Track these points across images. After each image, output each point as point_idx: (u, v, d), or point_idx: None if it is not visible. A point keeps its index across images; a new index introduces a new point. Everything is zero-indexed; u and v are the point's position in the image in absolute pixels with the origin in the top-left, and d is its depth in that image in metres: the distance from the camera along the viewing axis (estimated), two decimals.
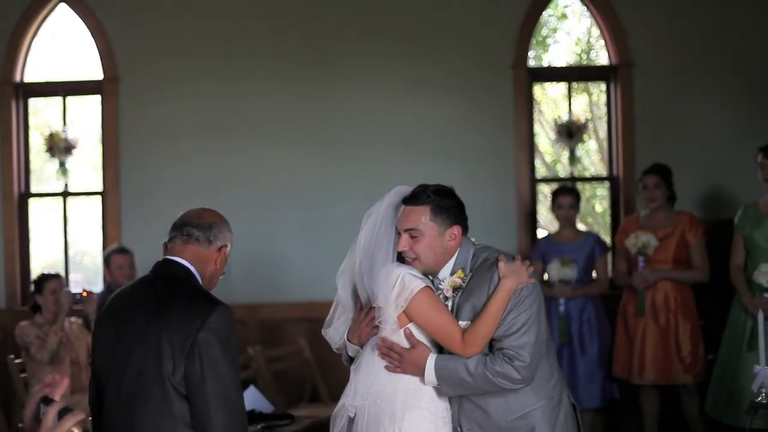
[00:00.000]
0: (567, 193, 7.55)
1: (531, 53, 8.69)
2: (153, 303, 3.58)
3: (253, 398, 6.63)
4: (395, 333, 3.85)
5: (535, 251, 7.55)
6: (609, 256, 7.73)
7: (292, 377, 7.83)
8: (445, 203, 3.94)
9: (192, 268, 3.73)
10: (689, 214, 7.23)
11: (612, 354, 7.27)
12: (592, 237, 7.57)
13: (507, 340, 3.81)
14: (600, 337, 7.32)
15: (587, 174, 11.34)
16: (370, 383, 3.87)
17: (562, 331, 7.20)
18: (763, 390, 5.30)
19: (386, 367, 3.86)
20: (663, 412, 7.33)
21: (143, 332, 3.50)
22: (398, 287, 3.79)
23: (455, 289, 3.90)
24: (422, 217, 3.88)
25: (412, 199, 3.92)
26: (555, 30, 10.86)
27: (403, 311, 3.81)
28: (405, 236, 3.88)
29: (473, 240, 4.06)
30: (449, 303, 3.91)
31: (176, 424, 3.43)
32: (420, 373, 3.84)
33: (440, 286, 3.93)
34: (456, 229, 3.93)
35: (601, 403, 7.33)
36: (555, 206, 7.56)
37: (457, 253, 3.95)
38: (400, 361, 3.84)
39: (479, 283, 3.87)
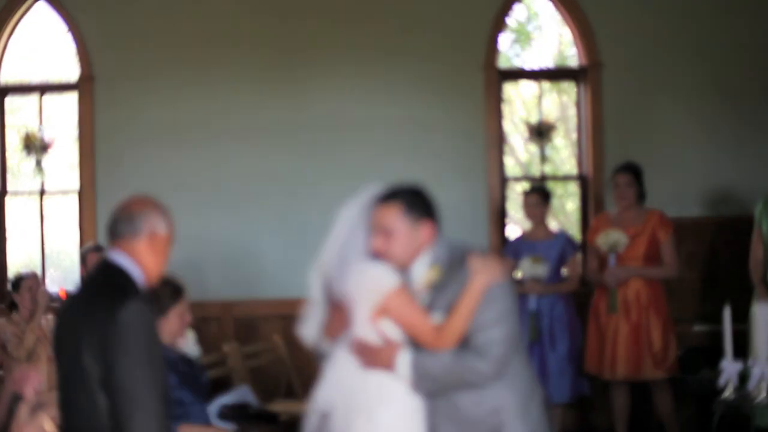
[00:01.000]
0: (533, 192, 7.60)
1: (505, 52, 8.78)
2: (81, 300, 3.62)
3: (243, 395, 6.62)
4: (368, 329, 3.87)
5: (508, 249, 7.60)
6: (579, 255, 7.81)
7: (267, 374, 7.85)
8: (416, 200, 3.98)
9: (127, 262, 3.64)
10: (659, 212, 7.26)
11: (583, 350, 7.31)
12: (563, 236, 7.61)
13: (478, 334, 3.82)
14: (570, 333, 7.35)
15: (560, 173, 11.43)
16: (343, 379, 3.89)
17: (533, 327, 7.24)
18: (730, 385, 5.41)
19: (360, 365, 3.88)
20: (633, 408, 7.39)
21: (71, 327, 3.53)
22: (372, 284, 3.83)
23: (431, 284, 3.92)
24: (394, 215, 3.91)
25: (384, 198, 3.96)
26: (522, 31, 10.95)
27: (377, 308, 3.84)
28: (378, 234, 3.91)
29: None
30: (423, 298, 3.92)
31: (101, 415, 3.44)
32: (392, 369, 3.84)
33: (413, 281, 3.94)
34: (427, 225, 3.95)
35: (571, 398, 7.39)
36: (524, 205, 7.61)
37: (431, 250, 3.96)
38: (372, 358, 3.85)
39: (454, 278, 3.88)
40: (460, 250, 3.96)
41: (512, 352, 3.88)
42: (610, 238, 7.09)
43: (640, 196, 7.29)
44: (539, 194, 7.59)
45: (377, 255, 3.92)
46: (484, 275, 3.82)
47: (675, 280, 7.25)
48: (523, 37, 11.19)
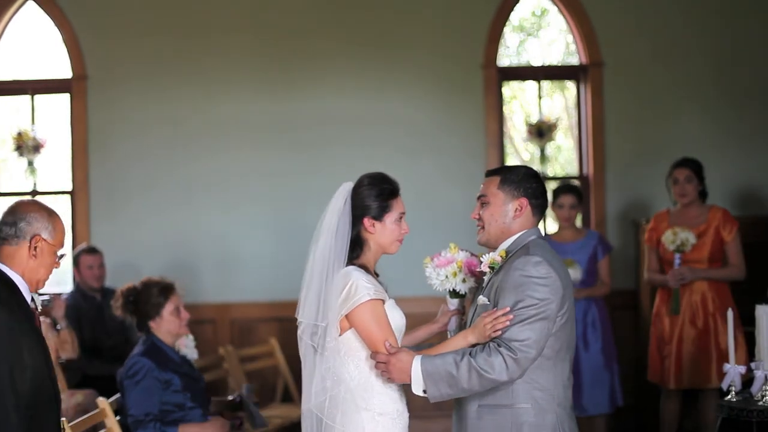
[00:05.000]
0: (569, 192, 7.20)
1: (505, 51, 8.71)
2: None
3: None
4: (334, 333, 3.80)
5: None
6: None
7: (263, 377, 7.81)
8: (516, 177, 3.93)
9: (5, 269, 3.65)
10: (723, 209, 6.85)
11: (643, 358, 7.04)
12: (595, 236, 7.25)
13: (506, 330, 3.70)
14: (604, 339, 7.06)
15: (562, 173, 11.35)
16: (317, 384, 3.84)
17: None
18: (733, 388, 5.34)
19: (380, 372, 3.77)
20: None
21: None
22: (346, 293, 3.76)
23: (491, 267, 3.89)
24: (492, 185, 3.93)
25: (491, 171, 4.02)
26: (524, 29, 10.87)
27: (346, 317, 3.77)
28: (478, 203, 3.95)
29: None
30: (484, 278, 3.93)
31: None
32: (407, 378, 3.71)
33: (482, 259, 3.94)
34: (522, 202, 3.90)
35: (610, 408, 7.05)
36: (555, 206, 7.18)
37: (520, 234, 3.92)
38: (386, 367, 3.73)
39: (503, 270, 3.83)
40: (533, 249, 3.84)
41: (536, 355, 3.71)
42: (679, 237, 6.65)
43: (702, 192, 6.87)
44: (575, 194, 7.20)
45: (477, 221, 3.96)
46: (474, 335, 3.75)
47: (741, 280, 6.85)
48: (523, 35, 11.12)
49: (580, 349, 6.98)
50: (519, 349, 3.65)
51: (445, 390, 3.69)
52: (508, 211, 3.90)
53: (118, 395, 5.43)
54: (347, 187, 3.99)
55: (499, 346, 3.66)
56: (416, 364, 3.70)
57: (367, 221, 3.89)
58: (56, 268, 3.81)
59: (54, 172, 8.68)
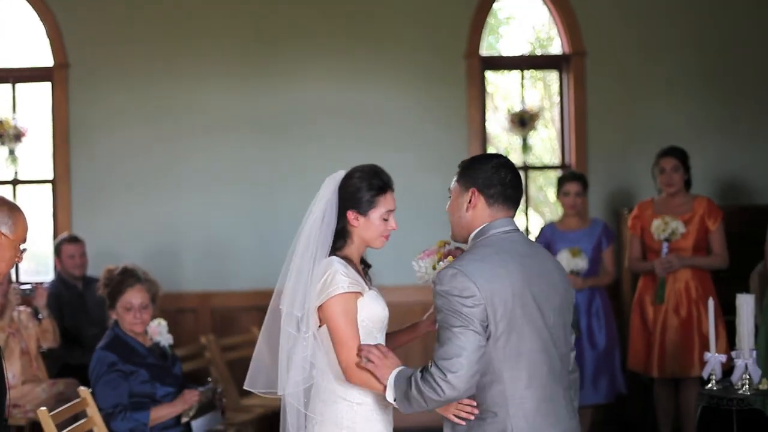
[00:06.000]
0: (575, 179, 7.20)
1: (486, 41, 8.70)
2: None
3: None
4: (313, 327, 3.76)
5: (540, 239, 7.16)
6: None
7: (244, 366, 7.75)
8: (472, 167, 3.68)
9: None
10: (707, 198, 6.92)
11: (624, 346, 7.04)
12: (600, 224, 7.24)
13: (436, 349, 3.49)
14: (607, 329, 7.04)
15: (542, 163, 11.37)
16: (296, 373, 3.79)
17: (573, 324, 6.93)
18: (713, 377, 5.37)
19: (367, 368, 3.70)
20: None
21: None
22: (322, 283, 3.72)
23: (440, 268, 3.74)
24: (455, 178, 3.71)
25: (461, 162, 3.79)
26: (508, 19, 10.87)
27: (319, 308, 3.73)
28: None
29: (506, 229, 3.63)
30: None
31: None
32: (385, 383, 3.63)
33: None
34: (471, 193, 3.62)
35: (607, 398, 7.05)
36: (561, 193, 7.20)
37: (480, 227, 3.61)
38: (373, 367, 3.64)
39: None
40: (478, 246, 3.59)
41: (474, 366, 3.43)
42: (669, 226, 6.66)
43: (687, 181, 6.90)
44: (581, 182, 7.19)
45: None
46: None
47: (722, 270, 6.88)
48: (504, 25, 11.12)
49: (584, 339, 6.95)
50: (447, 369, 3.40)
51: (408, 406, 3.55)
52: (462, 203, 3.64)
53: None
54: (338, 176, 3.89)
55: (431, 366, 3.46)
56: (393, 373, 3.60)
57: (351, 214, 3.82)
58: (18, 261, 3.81)
59: (35, 160, 8.65)
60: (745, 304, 5.33)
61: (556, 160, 8.75)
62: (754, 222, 7.46)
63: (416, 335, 4.19)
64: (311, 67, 8.21)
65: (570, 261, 6.84)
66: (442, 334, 3.47)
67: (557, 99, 8.67)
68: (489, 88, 8.86)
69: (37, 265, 9.44)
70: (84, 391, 5.18)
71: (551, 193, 13.02)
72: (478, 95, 8.27)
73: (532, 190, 10.69)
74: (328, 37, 8.22)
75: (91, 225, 8.09)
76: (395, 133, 8.16)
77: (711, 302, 5.50)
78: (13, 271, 7.21)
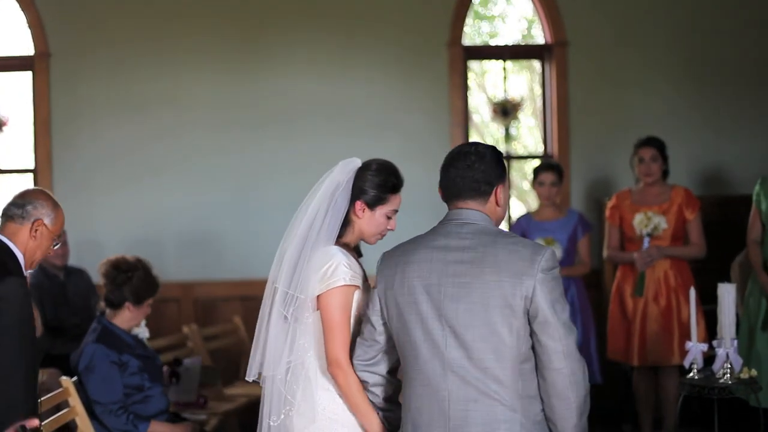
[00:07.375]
0: (549, 169, 7.23)
1: (469, 30, 8.71)
2: None
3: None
4: (309, 310, 3.75)
5: (515, 229, 7.17)
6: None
7: (227, 356, 7.79)
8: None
9: (10, 244, 4.08)
10: (684, 188, 6.94)
11: (602, 336, 7.04)
12: (576, 214, 7.28)
13: None
14: (584, 320, 7.06)
15: (527, 152, 11.40)
16: (285, 355, 3.78)
17: None
18: (695, 366, 5.40)
19: None
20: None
21: None
22: (324, 272, 3.71)
23: None
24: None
25: None
26: (486, 8, 10.89)
27: (317, 297, 3.73)
28: None
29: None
30: None
31: None
32: None
33: None
34: (357, 205, 3.85)
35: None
36: (536, 183, 7.23)
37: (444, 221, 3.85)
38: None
39: None
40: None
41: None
42: (652, 222, 6.70)
43: (665, 171, 6.93)
44: (556, 171, 7.21)
45: None
46: None
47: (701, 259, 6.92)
48: (487, 14, 11.14)
49: None
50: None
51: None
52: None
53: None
54: (355, 163, 3.89)
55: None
56: None
57: (358, 205, 3.83)
58: (49, 254, 4.31)
59: (16, 150, 8.62)
60: (727, 293, 5.36)
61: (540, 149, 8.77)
62: (733, 212, 7.50)
63: None
64: (292, 57, 8.19)
65: None
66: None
67: (539, 88, 8.69)
68: (477, 79, 8.88)
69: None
70: (66, 381, 5.17)
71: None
72: (461, 84, 8.27)
73: (516, 179, 10.72)
74: (309, 24, 8.19)
75: (72, 215, 7.94)
76: (377, 123, 8.16)
77: (692, 292, 5.52)
78: None
